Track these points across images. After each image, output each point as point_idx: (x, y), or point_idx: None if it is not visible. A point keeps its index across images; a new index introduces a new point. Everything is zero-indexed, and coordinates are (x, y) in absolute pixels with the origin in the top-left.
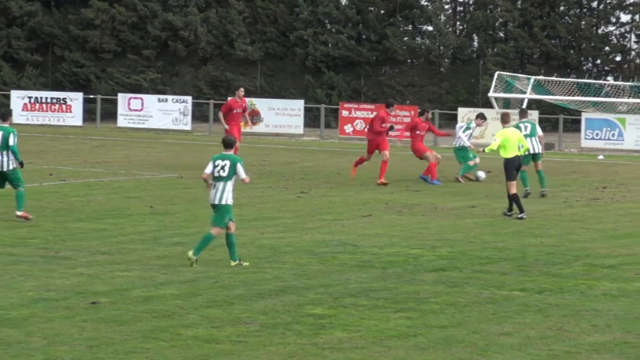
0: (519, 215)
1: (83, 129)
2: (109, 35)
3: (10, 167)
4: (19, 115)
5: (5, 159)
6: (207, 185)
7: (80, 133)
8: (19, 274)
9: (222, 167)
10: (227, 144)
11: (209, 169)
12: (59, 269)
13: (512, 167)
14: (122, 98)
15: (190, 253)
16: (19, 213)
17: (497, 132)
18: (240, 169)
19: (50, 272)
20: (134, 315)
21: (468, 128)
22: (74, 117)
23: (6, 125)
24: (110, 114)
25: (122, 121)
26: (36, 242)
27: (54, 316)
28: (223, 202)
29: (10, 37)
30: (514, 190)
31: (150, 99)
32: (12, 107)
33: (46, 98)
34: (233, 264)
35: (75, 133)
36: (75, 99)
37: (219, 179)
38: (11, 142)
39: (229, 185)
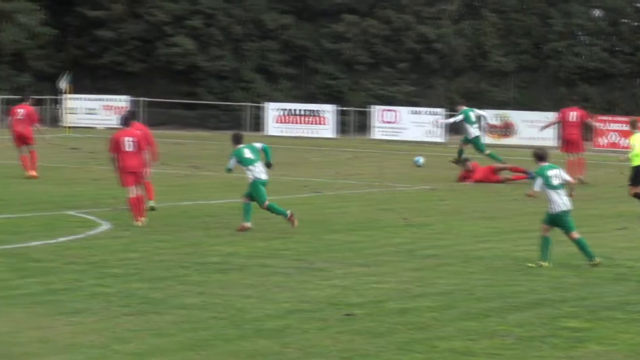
0: None
1: (337, 141)
2: (361, 48)
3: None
4: (273, 127)
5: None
6: (530, 196)
7: (333, 145)
8: (274, 285)
9: (557, 176)
10: (544, 156)
11: (538, 186)
12: (314, 280)
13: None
14: (375, 110)
15: (596, 259)
16: (246, 224)
17: (631, 138)
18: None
19: (304, 283)
20: (388, 327)
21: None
22: (328, 129)
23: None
24: (363, 126)
25: (375, 133)
26: (290, 254)
27: (309, 327)
28: (571, 207)
29: (264, 50)
30: (634, 191)
31: (404, 111)
32: (266, 119)
33: (300, 110)
34: (596, 260)
35: (329, 145)
36: (329, 111)
37: (558, 187)
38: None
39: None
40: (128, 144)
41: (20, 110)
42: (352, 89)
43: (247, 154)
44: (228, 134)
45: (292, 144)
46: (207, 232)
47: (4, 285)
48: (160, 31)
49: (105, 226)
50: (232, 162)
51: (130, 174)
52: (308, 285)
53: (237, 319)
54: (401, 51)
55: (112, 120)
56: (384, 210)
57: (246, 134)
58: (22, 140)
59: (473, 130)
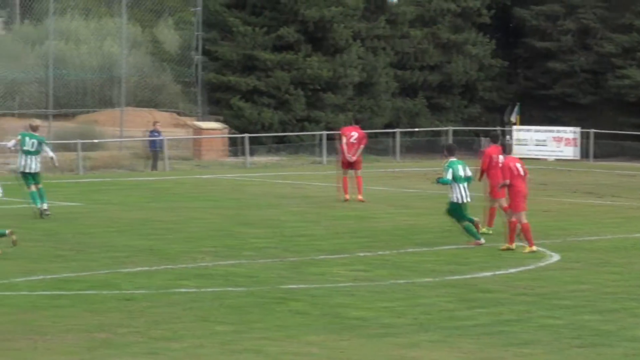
0: None
1: None
2: None
3: None
4: None
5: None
6: None
7: None
8: None
9: None
10: None
11: None
12: None
13: None
14: None
15: None
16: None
17: None
18: None
19: None
20: None
21: None
22: None
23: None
24: None
25: None
26: None
27: None
28: None
29: None
30: None
31: None
32: None
33: None
34: None
35: None
36: None
37: None
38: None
39: None
40: (518, 169)
41: (354, 134)
42: None
43: (460, 170)
44: None
45: None
46: None
47: (452, 315)
48: (610, 62)
49: (554, 257)
50: (449, 174)
51: (524, 199)
52: None
53: None
54: None
55: (562, 151)
56: None
57: None
58: (350, 164)
59: None
